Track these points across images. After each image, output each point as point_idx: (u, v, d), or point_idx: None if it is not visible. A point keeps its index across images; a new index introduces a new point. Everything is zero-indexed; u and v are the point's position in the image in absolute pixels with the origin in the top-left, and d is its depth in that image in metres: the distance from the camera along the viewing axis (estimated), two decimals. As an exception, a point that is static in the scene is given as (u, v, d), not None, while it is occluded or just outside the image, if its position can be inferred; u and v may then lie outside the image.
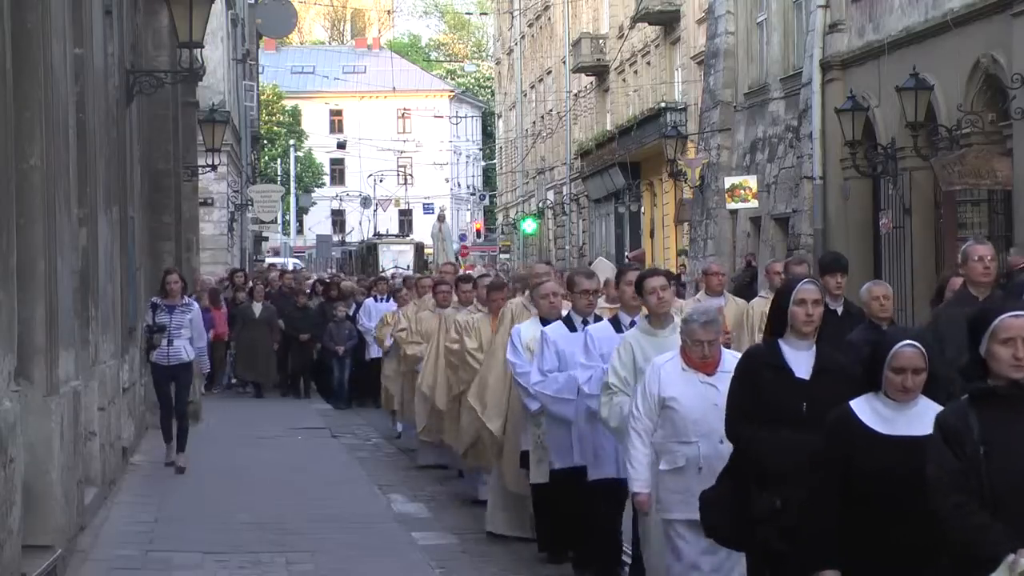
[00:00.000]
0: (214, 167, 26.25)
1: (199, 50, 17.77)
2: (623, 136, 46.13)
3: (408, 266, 50.40)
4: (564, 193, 58.32)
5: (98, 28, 13.39)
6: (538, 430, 10.59)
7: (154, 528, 12.02)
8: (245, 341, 24.52)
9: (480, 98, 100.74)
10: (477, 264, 54.89)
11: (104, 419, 12.80)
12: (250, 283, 26.24)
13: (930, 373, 5.89)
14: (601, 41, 52.72)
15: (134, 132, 16.67)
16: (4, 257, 8.59)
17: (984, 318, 5.47)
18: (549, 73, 62.41)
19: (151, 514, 12.68)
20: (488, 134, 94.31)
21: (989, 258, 9.39)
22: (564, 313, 10.50)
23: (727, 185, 28.80)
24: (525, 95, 68.89)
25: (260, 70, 60.43)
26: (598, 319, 10.13)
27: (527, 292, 11.92)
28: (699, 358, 8.00)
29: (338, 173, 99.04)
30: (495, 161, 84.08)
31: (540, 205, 62.60)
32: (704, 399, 7.90)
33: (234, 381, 25.41)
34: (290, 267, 50.48)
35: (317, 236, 76.53)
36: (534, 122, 65.85)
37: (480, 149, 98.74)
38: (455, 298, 14.88)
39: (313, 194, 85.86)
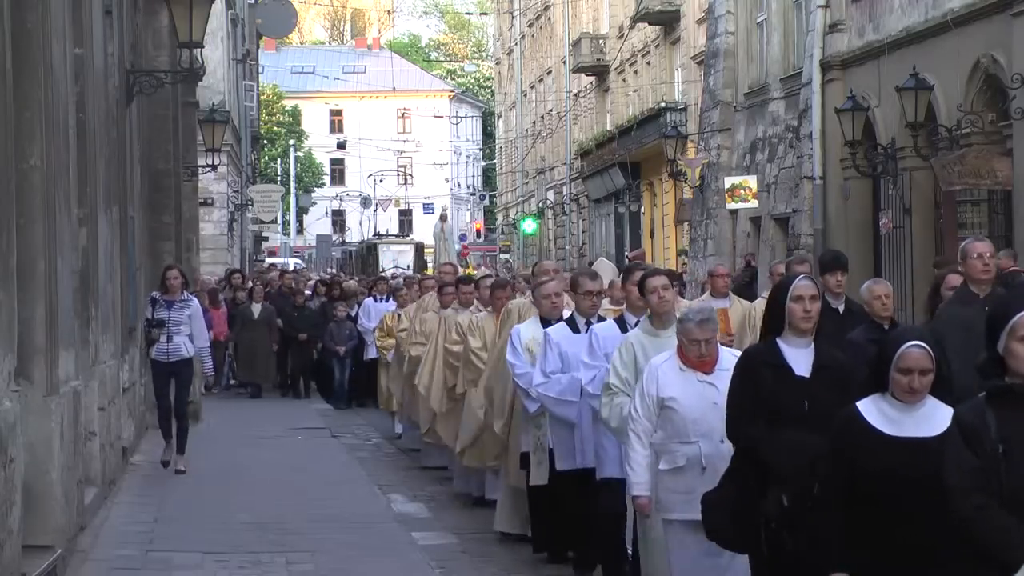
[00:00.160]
0: (214, 167, 26.26)
1: (199, 50, 17.77)
2: (623, 136, 46.12)
3: (408, 266, 50.45)
4: (564, 193, 58.30)
5: (98, 28, 13.39)
6: (538, 432, 10.54)
7: (154, 528, 12.01)
8: (244, 342, 24.53)
9: (480, 98, 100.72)
10: (481, 266, 54.91)
11: (104, 419, 12.79)
12: (249, 283, 26.24)
13: (938, 374, 5.78)
14: (601, 41, 52.70)
15: (134, 132, 16.67)
16: (4, 257, 8.58)
17: (1004, 315, 5.39)
18: (549, 73, 62.40)
19: (151, 514, 12.67)
20: (488, 134, 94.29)
21: (988, 255, 9.36)
22: (567, 314, 10.47)
23: (727, 185, 28.76)
24: (525, 95, 68.87)
25: (260, 70, 60.46)
26: (601, 319, 10.11)
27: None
28: (696, 357, 7.98)
29: (338, 173, 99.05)
30: (495, 161, 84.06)
31: (540, 205, 62.57)
32: (703, 398, 7.88)
33: (233, 382, 25.41)
34: (291, 267, 50.51)
35: (317, 236, 76.54)
36: (534, 122, 65.83)
37: (480, 149, 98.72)
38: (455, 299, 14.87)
39: (313, 194, 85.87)
